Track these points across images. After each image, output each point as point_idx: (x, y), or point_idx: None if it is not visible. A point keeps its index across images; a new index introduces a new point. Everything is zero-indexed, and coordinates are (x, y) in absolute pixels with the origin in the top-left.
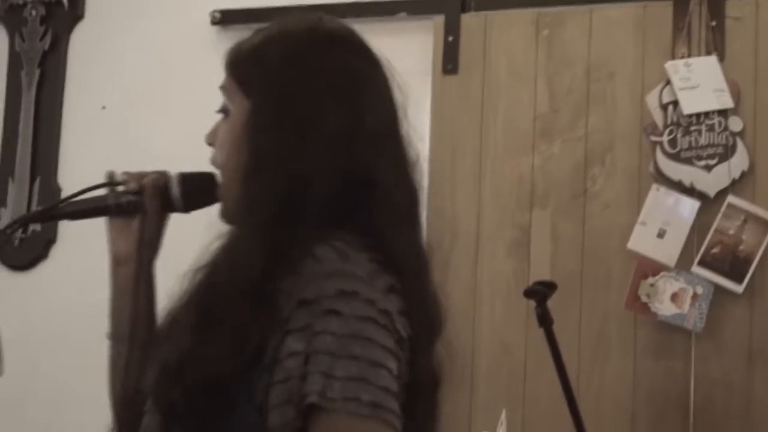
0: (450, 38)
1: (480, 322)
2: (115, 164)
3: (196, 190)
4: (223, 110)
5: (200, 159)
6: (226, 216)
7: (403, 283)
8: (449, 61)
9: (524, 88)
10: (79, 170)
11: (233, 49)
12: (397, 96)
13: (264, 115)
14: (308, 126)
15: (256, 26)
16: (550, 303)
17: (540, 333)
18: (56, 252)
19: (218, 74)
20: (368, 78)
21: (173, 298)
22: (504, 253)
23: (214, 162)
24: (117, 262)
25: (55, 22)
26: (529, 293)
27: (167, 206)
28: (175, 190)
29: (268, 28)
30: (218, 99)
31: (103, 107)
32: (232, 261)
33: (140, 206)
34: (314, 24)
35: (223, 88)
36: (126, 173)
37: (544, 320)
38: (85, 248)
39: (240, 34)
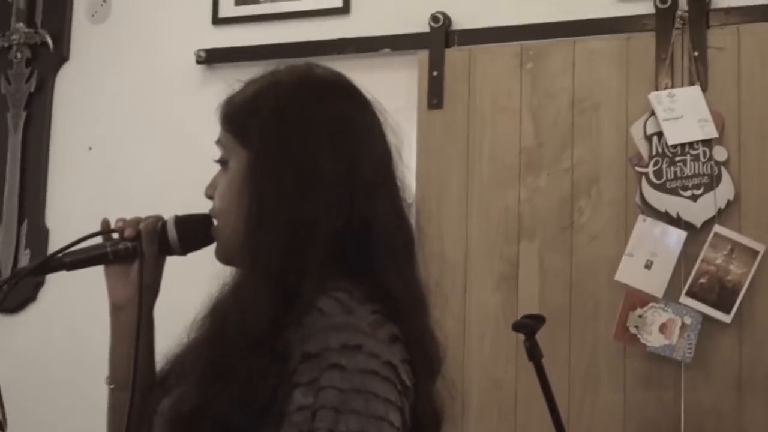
0: (434, 73)
1: (469, 356)
2: (102, 205)
3: (192, 233)
4: (222, 162)
5: (188, 197)
6: (222, 256)
7: (404, 330)
8: (434, 95)
9: (509, 122)
10: (66, 212)
11: (227, 103)
12: (391, 138)
13: (263, 164)
14: (307, 173)
15: (240, 64)
16: (539, 336)
17: (530, 367)
18: (44, 294)
19: (205, 113)
20: (361, 122)
21: (180, 346)
22: (492, 286)
23: (214, 212)
24: (116, 309)
25: (40, 64)
26: (517, 327)
27: (164, 249)
28: (172, 233)
29: (260, 80)
30: (205, 137)
31: (90, 148)
32: (241, 311)
33: (138, 252)
34: (304, 72)
35: (219, 142)
36: (121, 220)
37: (534, 354)
38: (72, 290)
39: (225, 72)
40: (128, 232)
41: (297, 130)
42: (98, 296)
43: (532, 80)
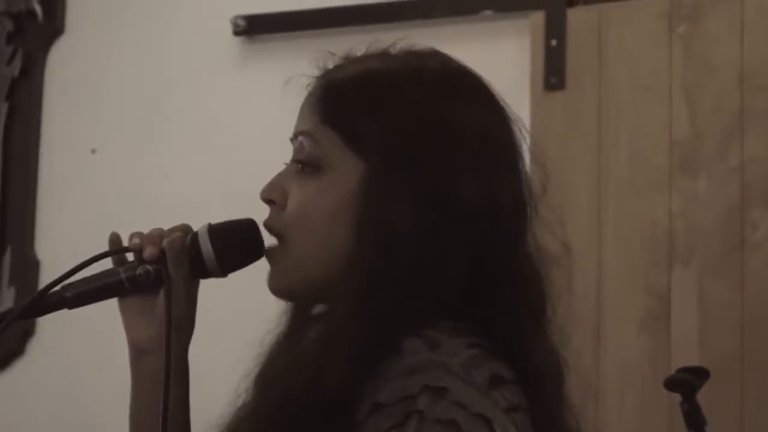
0: (553, 42)
1: (605, 423)
2: (109, 226)
3: (233, 245)
4: (306, 163)
5: (222, 214)
6: (283, 285)
7: (525, 380)
8: (553, 72)
9: (655, 107)
10: (62, 237)
11: (326, 84)
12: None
13: (392, 186)
14: (443, 200)
15: (292, 36)
16: (702, 396)
17: None
18: (34, 346)
19: (244, 98)
20: (502, 140)
21: (232, 407)
22: (635, 328)
23: (277, 225)
24: (138, 354)
25: (27, 40)
26: (671, 384)
27: (197, 271)
28: (207, 248)
29: (370, 61)
30: (246, 133)
31: (93, 151)
32: (316, 370)
33: (162, 277)
34: (438, 63)
35: (306, 135)
36: (137, 234)
37: (694, 420)
38: (71, 339)
39: (270, 46)
40: (149, 252)
41: (433, 143)
42: (104, 346)
43: (685, 49)
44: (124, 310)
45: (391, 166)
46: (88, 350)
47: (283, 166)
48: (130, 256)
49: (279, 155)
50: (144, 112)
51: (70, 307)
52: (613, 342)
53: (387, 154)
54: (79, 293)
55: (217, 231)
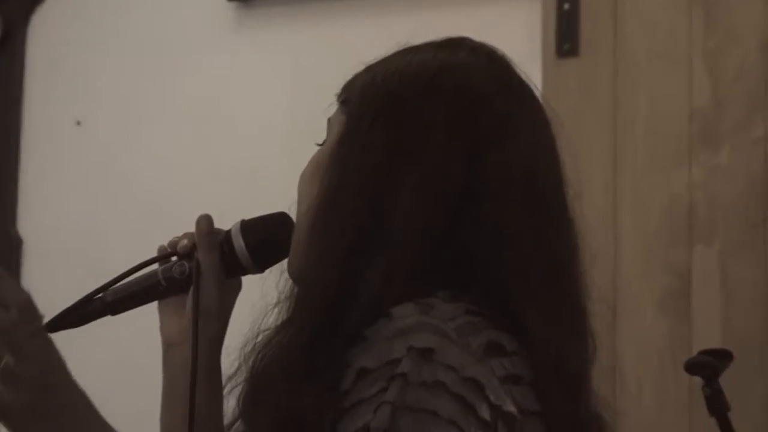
0: (566, 5)
1: (623, 406)
2: (96, 203)
3: (266, 239)
4: (319, 144)
5: (214, 187)
6: (295, 267)
7: (525, 342)
8: (566, 38)
9: (674, 74)
10: (46, 213)
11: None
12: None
13: (362, 131)
14: (422, 158)
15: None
16: (724, 380)
17: (710, 424)
18: None
19: (239, 67)
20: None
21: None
22: (653, 309)
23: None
24: (167, 347)
25: (6, 4)
26: (693, 367)
27: (233, 268)
28: (239, 243)
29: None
30: (241, 102)
31: (78, 123)
32: (296, 339)
33: (197, 271)
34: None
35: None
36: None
37: (717, 405)
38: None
39: (266, 12)
40: (181, 245)
41: (417, 97)
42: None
43: (706, 13)
44: (161, 312)
45: (365, 111)
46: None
47: (280, 142)
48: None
49: (275, 128)
50: (133, 81)
51: (114, 312)
52: (631, 324)
53: (364, 98)
54: (121, 298)
55: (249, 226)
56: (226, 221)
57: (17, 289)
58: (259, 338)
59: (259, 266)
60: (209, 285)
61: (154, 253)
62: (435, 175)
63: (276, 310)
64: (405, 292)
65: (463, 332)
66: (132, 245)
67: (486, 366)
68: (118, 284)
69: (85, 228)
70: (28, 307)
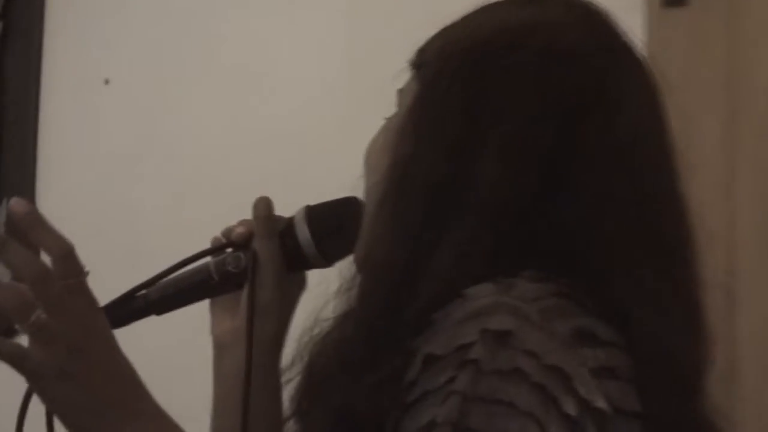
0: None
1: (742, 407)
2: (124, 173)
3: (335, 228)
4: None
5: (259, 159)
6: (361, 255)
7: (626, 333)
8: None
9: None
10: (68, 186)
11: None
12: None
13: (438, 97)
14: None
15: None
16: None
17: None
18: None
19: (291, 22)
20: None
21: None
22: None
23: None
24: (218, 351)
25: None
26: None
27: (295, 260)
28: (303, 231)
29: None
30: (290, 65)
31: (107, 81)
32: (351, 327)
33: (253, 263)
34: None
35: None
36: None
37: None
38: None
39: None
40: (237, 232)
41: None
42: None
43: None
44: (213, 311)
45: (442, 74)
46: None
47: (335, 108)
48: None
49: (333, 94)
50: (169, 36)
51: (159, 312)
52: (751, 310)
53: (441, 60)
54: (167, 295)
55: (315, 213)
56: (274, 196)
57: (59, 238)
58: (317, 329)
59: (327, 259)
60: (268, 280)
61: (192, 231)
62: (524, 141)
63: (337, 298)
64: (484, 273)
65: (549, 315)
66: (169, 221)
67: (574, 354)
68: (164, 280)
69: (115, 202)
70: (69, 258)
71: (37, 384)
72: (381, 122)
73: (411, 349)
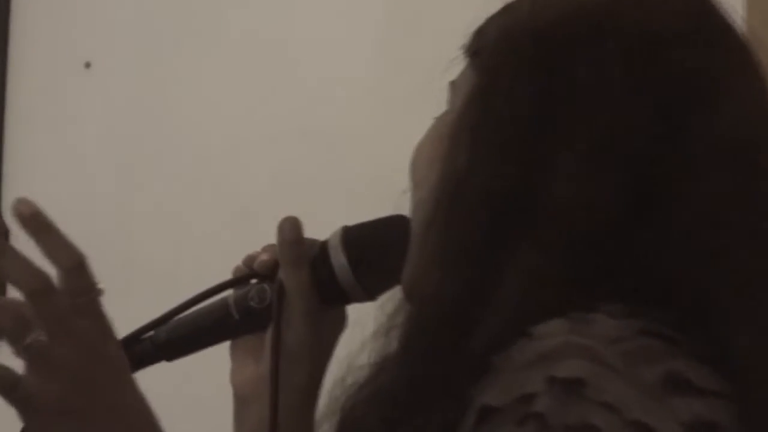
0: None
1: None
2: (107, 169)
3: (377, 255)
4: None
5: (267, 158)
6: (408, 281)
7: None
8: None
9: None
10: (42, 188)
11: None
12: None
13: (499, 89)
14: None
15: None
16: None
17: None
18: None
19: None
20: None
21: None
22: None
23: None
24: (240, 403)
25: None
26: None
27: (331, 293)
28: (339, 259)
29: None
30: (313, 47)
31: (88, 65)
32: (395, 373)
33: (279, 297)
34: None
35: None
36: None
37: None
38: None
39: None
40: (260, 261)
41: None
42: None
43: None
44: (233, 355)
45: (506, 60)
46: None
47: (366, 100)
48: None
49: (361, 81)
50: (162, 12)
51: (169, 357)
52: None
53: (503, 44)
54: (179, 336)
55: (353, 235)
56: (292, 205)
57: (69, 246)
58: (351, 379)
59: (368, 291)
60: (296, 317)
61: (193, 243)
62: (612, 143)
63: (376, 341)
64: (556, 305)
65: (633, 359)
66: (164, 231)
67: (664, 406)
68: (175, 318)
69: (99, 209)
70: (79, 271)
71: (28, 418)
72: (424, 121)
73: (465, 400)
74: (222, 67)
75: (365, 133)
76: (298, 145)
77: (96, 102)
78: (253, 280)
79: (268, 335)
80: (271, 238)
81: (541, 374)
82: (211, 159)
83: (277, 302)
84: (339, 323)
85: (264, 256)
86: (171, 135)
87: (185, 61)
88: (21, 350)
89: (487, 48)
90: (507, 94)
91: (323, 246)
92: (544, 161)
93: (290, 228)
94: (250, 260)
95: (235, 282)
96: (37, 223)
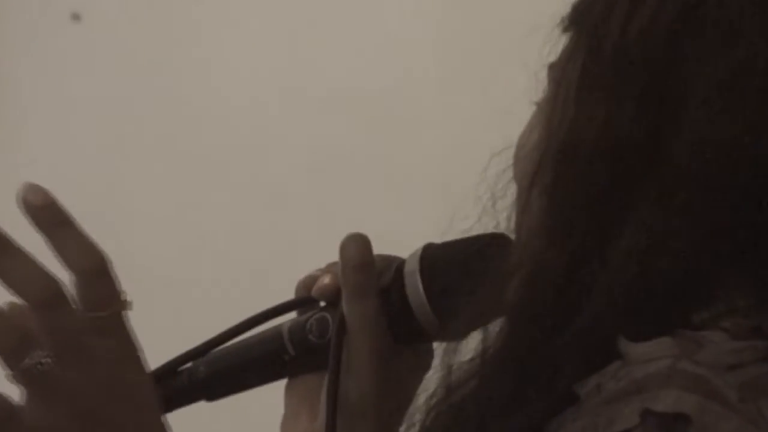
0: None
1: None
2: (101, 145)
3: (468, 282)
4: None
5: (283, 125)
6: None
7: None
8: None
9: None
10: (23, 161)
11: None
12: None
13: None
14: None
15: None
16: None
17: None
18: None
19: None
20: None
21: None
22: None
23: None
24: None
25: None
26: None
27: (407, 329)
28: (415, 289)
29: None
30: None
31: (76, 17)
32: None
33: (339, 332)
34: None
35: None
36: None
37: None
38: None
39: None
40: (320, 287)
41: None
42: None
43: None
44: (288, 400)
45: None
46: None
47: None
48: None
49: (416, 61)
50: None
51: (210, 396)
52: None
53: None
54: (221, 371)
55: (437, 258)
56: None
57: (89, 246)
58: (424, 396)
59: (452, 330)
60: (360, 360)
61: (203, 236)
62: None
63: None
64: (663, 313)
65: (753, 392)
66: (167, 220)
67: None
68: (217, 349)
69: (90, 189)
70: (101, 277)
71: None
72: (482, 110)
73: (549, 425)
74: (237, 16)
75: (429, 121)
76: (309, 107)
77: (85, 57)
78: (322, 302)
79: (325, 383)
80: (282, 217)
81: (634, 407)
82: (226, 131)
83: (336, 341)
84: (420, 366)
85: (326, 280)
86: (174, 100)
87: (179, 12)
88: (18, 373)
89: (591, 14)
90: (621, 51)
91: (398, 270)
92: (668, 114)
93: (356, 248)
94: (309, 281)
95: (293, 305)
96: (50, 216)
